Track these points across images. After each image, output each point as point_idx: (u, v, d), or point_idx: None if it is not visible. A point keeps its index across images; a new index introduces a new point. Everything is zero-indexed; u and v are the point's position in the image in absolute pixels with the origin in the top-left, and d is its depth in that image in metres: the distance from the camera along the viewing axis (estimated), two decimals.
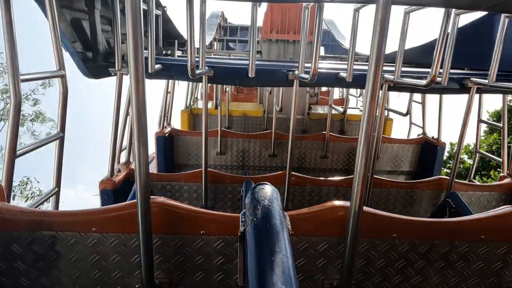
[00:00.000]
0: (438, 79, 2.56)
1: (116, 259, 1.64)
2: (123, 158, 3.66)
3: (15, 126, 1.98)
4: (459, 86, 3.29)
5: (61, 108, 2.53)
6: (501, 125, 4.20)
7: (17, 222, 1.56)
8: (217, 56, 5.88)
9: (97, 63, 3.12)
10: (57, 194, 2.55)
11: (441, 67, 2.53)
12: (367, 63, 1.23)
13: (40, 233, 1.58)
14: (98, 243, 1.61)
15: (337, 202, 1.75)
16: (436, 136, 5.35)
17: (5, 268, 1.59)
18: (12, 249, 1.57)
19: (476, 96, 4.08)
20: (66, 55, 2.85)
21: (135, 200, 1.42)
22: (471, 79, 3.22)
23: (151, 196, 1.62)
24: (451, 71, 2.88)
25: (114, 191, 3.16)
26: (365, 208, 1.58)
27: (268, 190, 1.31)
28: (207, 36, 7.79)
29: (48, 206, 2.76)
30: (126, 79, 3.19)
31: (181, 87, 6.06)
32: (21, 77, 1.98)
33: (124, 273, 1.66)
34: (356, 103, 8.35)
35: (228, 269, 1.68)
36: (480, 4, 1.95)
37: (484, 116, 4.13)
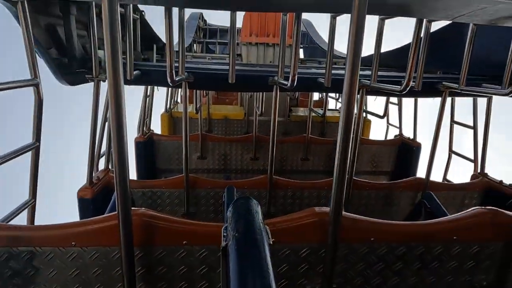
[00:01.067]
0: (413, 83, 2.66)
1: (97, 272, 1.62)
2: (102, 166, 3.59)
3: None
4: (432, 90, 3.41)
5: (37, 117, 2.47)
6: (472, 125, 4.39)
7: None
8: (196, 60, 5.84)
9: (73, 70, 3.05)
10: (33, 206, 2.48)
11: (415, 71, 2.62)
12: (345, 67, 1.26)
13: (17, 249, 1.54)
14: (78, 257, 1.59)
15: (317, 209, 1.79)
16: (412, 137, 5.52)
17: None
18: None
19: (450, 98, 4.25)
20: (41, 62, 2.78)
21: (116, 212, 1.41)
22: (443, 83, 3.35)
23: (132, 208, 1.61)
24: (425, 75, 2.99)
25: (93, 199, 3.10)
26: (344, 213, 1.62)
27: (249, 204, 1.33)
28: (187, 38, 7.73)
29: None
30: (104, 85, 3.14)
31: (161, 90, 6.01)
32: None
33: (105, 286, 1.64)
34: (335, 105, 8.50)
35: (212, 278, 1.69)
36: (449, 15, 2.05)
37: None
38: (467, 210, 1.93)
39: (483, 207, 1.95)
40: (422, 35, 2.60)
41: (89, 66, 3.06)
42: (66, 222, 1.62)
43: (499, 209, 1.96)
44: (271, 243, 1.19)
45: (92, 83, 3.08)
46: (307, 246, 1.72)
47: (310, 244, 1.72)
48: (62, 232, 1.58)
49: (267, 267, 0.99)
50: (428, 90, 3.41)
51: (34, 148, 2.44)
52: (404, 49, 4.86)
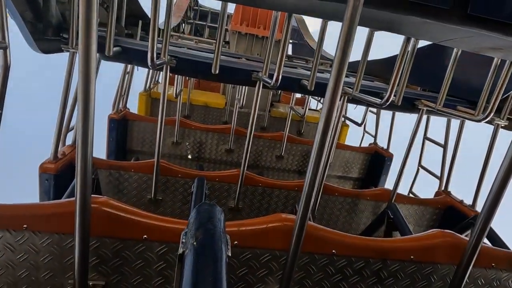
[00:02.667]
0: (393, 97, 2.69)
1: (48, 259, 1.54)
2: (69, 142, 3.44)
3: None
4: (411, 106, 3.48)
5: (2, 83, 2.33)
6: (443, 143, 4.53)
7: None
8: (183, 42, 5.67)
9: (47, 36, 2.87)
10: None
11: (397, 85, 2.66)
12: (330, 70, 1.23)
13: None
14: (28, 241, 1.50)
15: (283, 215, 1.78)
16: (385, 147, 5.65)
17: None
18: None
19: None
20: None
21: (73, 199, 1.33)
22: (422, 101, 3.42)
23: (93, 195, 1.53)
24: (405, 90, 3.04)
25: (56, 176, 2.96)
26: (309, 223, 1.63)
27: (212, 211, 1.30)
28: (175, 17, 7.48)
29: None
30: None
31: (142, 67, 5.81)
32: None
33: (54, 273, 1.57)
34: (316, 105, 8.55)
35: (168, 275, 1.66)
36: (436, 38, 2.07)
37: None
38: (426, 232, 1.99)
39: (440, 230, 2.01)
40: (408, 49, 2.62)
41: (66, 35, 2.90)
42: (19, 203, 1.53)
43: (455, 233, 2.03)
44: (230, 254, 1.16)
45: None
46: (268, 252, 1.71)
47: (272, 251, 1.71)
48: (14, 213, 1.49)
49: (221, 283, 0.97)
50: (407, 106, 3.48)
51: None
52: (389, 61, 4.92)
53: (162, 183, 3.41)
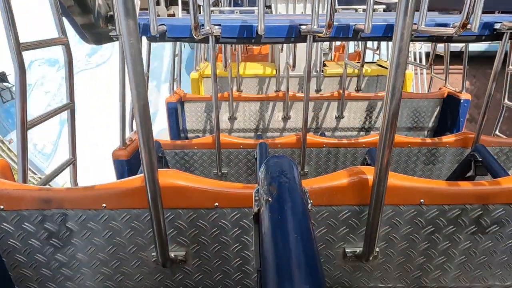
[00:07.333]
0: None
1: (130, 234, 1.60)
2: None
3: (22, 97, 1.90)
4: (490, 32, 2.97)
5: (68, 76, 2.47)
6: None
7: (25, 201, 1.53)
8: (225, 16, 5.55)
9: (98, 28, 2.94)
10: (73, 164, 2.55)
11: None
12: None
13: (50, 211, 1.54)
14: (109, 218, 1.57)
15: (358, 168, 1.63)
16: (459, 89, 5.03)
17: (20, 246, 1.58)
18: (24, 227, 1.55)
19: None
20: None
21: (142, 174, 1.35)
22: (504, 23, 2.89)
23: (161, 169, 1.54)
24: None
25: (128, 161, 3.12)
26: (390, 172, 1.46)
27: (283, 162, 1.18)
28: None
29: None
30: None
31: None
32: (22, 46, 1.88)
33: (139, 247, 1.63)
34: (372, 56, 7.92)
35: (245, 240, 1.63)
36: None
37: None
38: None
39: None
40: None
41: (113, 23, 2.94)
42: (95, 184, 1.59)
43: None
44: (310, 208, 1.05)
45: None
46: (347, 208, 1.58)
47: (350, 207, 1.58)
48: (92, 194, 1.55)
49: (307, 234, 0.86)
50: (485, 32, 2.97)
51: (69, 108, 2.47)
52: None
53: (225, 156, 3.42)
